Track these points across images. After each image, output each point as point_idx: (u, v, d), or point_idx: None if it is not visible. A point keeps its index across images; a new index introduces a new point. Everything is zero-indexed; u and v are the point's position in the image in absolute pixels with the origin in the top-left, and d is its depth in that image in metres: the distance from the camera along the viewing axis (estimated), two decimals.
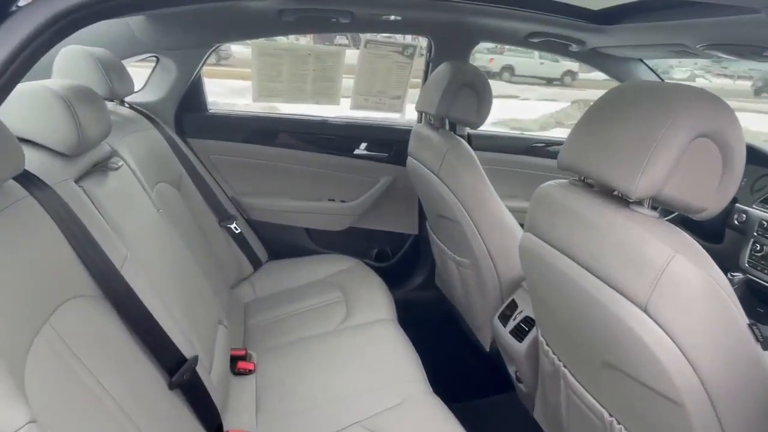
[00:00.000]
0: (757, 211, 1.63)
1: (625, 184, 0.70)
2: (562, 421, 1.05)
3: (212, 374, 1.07)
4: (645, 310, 0.68)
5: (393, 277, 1.86)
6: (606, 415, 0.86)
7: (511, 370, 1.37)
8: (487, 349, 1.50)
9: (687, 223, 1.84)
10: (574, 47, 1.72)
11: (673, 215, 1.72)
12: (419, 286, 2.03)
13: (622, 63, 1.91)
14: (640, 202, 0.73)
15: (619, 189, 0.72)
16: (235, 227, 1.73)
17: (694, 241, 0.70)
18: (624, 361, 0.74)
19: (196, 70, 1.75)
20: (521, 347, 1.24)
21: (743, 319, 0.66)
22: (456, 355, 1.71)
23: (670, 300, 0.66)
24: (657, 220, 0.72)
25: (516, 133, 2.91)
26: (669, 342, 0.66)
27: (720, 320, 0.65)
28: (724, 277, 0.67)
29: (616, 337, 0.73)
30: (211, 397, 1.00)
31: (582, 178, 0.85)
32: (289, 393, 1.19)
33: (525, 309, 1.29)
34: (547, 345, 1.04)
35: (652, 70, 1.94)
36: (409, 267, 2.05)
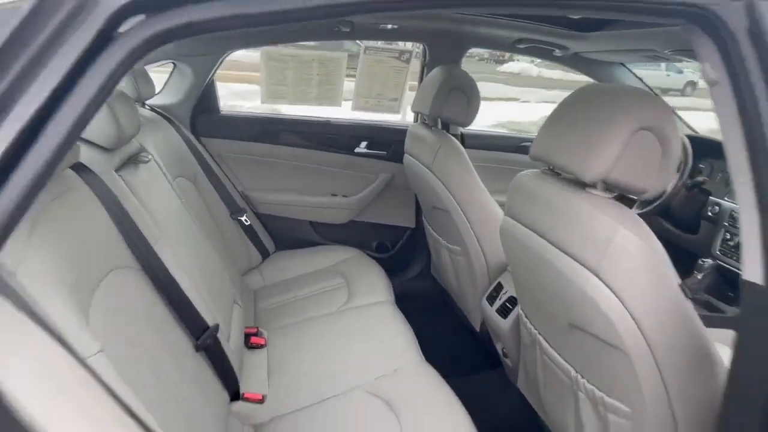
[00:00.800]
0: (728, 203, 1.76)
1: (580, 170, 0.84)
2: (539, 386, 1.19)
3: (230, 344, 1.21)
4: (597, 275, 0.81)
5: (392, 267, 1.99)
6: (572, 371, 0.99)
7: (498, 347, 1.51)
8: (478, 329, 1.64)
9: (666, 215, 1.98)
10: (557, 52, 1.86)
11: (652, 206, 1.86)
12: (416, 275, 2.17)
13: (605, 67, 2.05)
14: (594, 186, 0.86)
15: (575, 174, 0.86)
16: (245, 219, 1.87)
17: (638, 217, 0.83)
18: (582, 320, 0.88)
19: (210, 75, 1.89)
20: (506, 323, 1.38)
21: (676, 280, 0.80)
22: (449, 336, 1.84)
23: (617, 266, 0.79)
24: (608, 201, 0.86)
25: (506, 132, 3.05)
26: (616, 301, 0.80)
27: (656, 282, 0.79)
28: (661, 246, 0.81)
29: (576, 300, 0.87)
30: (230, 361, 1.14)
31: (550, 167, 0.99)
32: (297, 363, 1.33)
33: (509, 290, 1.42)
34: (526, 317, 1.18)
35: (632, 72, 2.08)
36: (406, 258, 2.19)
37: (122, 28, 0.47)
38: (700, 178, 1.84)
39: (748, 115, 0.62)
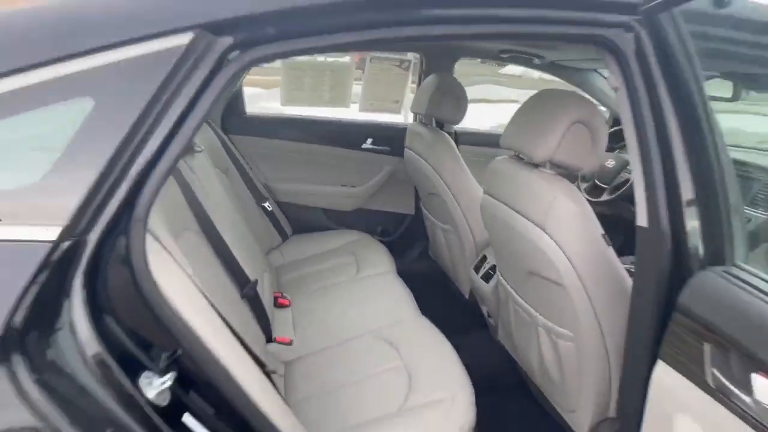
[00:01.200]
0: None
1: (533, 154, 1.13)
2: (512, 331, 1.47)
3: (264, 300, 1.51)
4: (544, 230, 1.11)
5: (394, 249, 2.28)
6: (533, 311, 1.28)
7: (484, 309, 1.80)
8: (467, 296, 1.93)
9: (631, 201, 2.27)
10: (536, 60, 2.16)
11: (618, 193, 2.15)
12: (416, 257, 2.46)
13: (581, 73, 2.34)
14: (544, 165, 1.16)
15: (530, 157, 1.15)
16: (267, 206, 2.16)
17: (574, 187, 1.13)
18: (536, 267, 1.17)
19: (239, 81, 2.20)
20: (488, 287, 1.67)
21: (599, 232, 1.09)
22: (443, 305, 2.12)
23: (557, 222, 1.09)
24: (554, 175, 1.15)
25: (498, 131, 3.33)
26: (557, 248, 1.09)
27: (585, 233, 1.09)
28: (590, 207, 1.10)
29: (531, 251, 1.16)
30: (265, 311, 1.44)
31: (515, 153, 1.28)
32: (316, 318, 1.63)
33: (491, 260, 1.71)
34: (501, 276, 1.47)
35: (603, 77, 2.36)
36: (407, 241, 2.48)
37: (230, 57, 0.76)
38: None
39: (636, 109, 0.92)
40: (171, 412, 0.74)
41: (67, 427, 0.63)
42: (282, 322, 1.60)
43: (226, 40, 0.74)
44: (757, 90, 1.84)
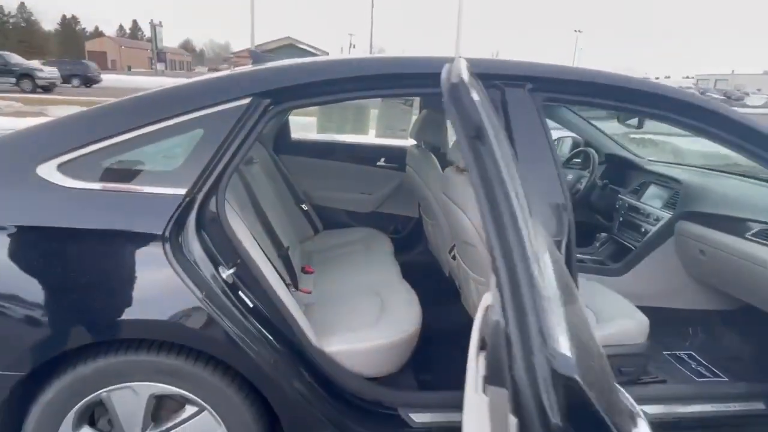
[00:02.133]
0: (628, 199, 2.62)
1: (461, 164, 1.79)
2: (464, 290, 2.09)
3: (294, 263, 2.22)
4: (464, 212, 1.75)
5: (402, 245, 2.94)
6: (466, 269, 1.91)
7: (456, 283, 2.42)
8: (447, 274, 2.55)
9: (591, 205, 2.85)
10: None
11: (575, 195, 2.73)
12: (420, 252, 3.10)
13: (550, 107, 2.95)
14: (466, 170, 1.81)
15: (460, 167, 1.80)
16: (304, 207, 2.90)
17: None
18: (463, 236, 1.81)
19: (287, 115, 2.98)
20: (454, 263, 2.30)
21: None
22: (430, 282, 2.71)
23: (471, 205, 1.73)
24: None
25: None
26: (470, 222, 1.72)
27: None
28: None
29: (460, 226, 1.80)
30: (295, 270, 2.14)
31: (456, 164, 1.93)
32: (331, 280, 2.31)
33: None
34: (457, 252, 2.11)
35: (573, 112, 2.96)
36: (412, 239, 3.14)
37: (269, 109, 1.49)
38: (605, 181, 2.71)
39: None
40: (232, 289, 1.44)
41: (189, 283, 1.34)
42: (306, 281, 2.30)
43: (267, 101, 1.47)
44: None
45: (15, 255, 1.31)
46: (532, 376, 0.64)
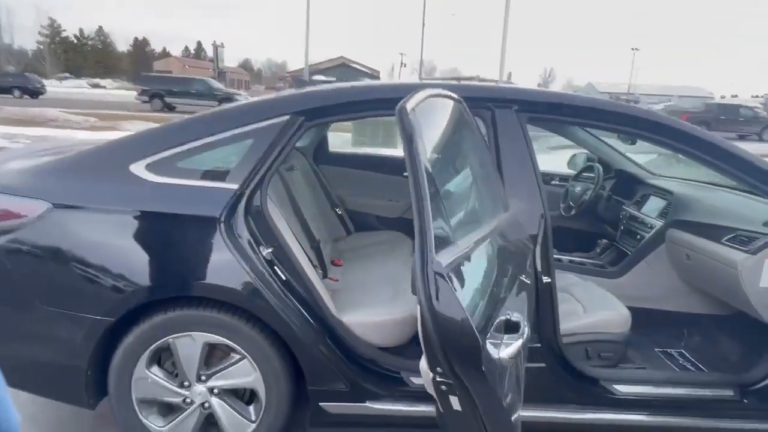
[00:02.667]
0: (630, 210, 2.88)
1: None
2: None
3: (324, 254, 2.61)
4: None
5: None
6: None
7: None
8: None
9: (597, 215, 3.10)
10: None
11: (579, 209, 3.00)
12: None
13: (566, 127, 3.23)
14: None
15: None
16: (338, 210, 3.30)
17: None
18: None
19: (326, 130, 3.41)
20: None
21: None
22: None
23: None
24: None
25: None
26: None
27: None
28: None
29: None
30: (325, 261, 2.53)
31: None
32: (358, 271, 2.68)
33: None
34: None
35: (585, 130, 3.22)
36: None
37: (304, 125, 1.90)
38: (609, 193, 2.97)
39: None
40: (269, 265, 1.83)
41: (237, 256, 1.75)
42: (335, 271, 2.69)
43: (301, 118, 1.88)
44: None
45: (110, 231, 1.76)
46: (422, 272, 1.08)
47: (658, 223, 2.61)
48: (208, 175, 1.83)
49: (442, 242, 1.19)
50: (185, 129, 1.89)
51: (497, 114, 1.92)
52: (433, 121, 1.45)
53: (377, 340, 2.03)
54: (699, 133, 1.89)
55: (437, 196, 1.25)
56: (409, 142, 1.16)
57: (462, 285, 1.18)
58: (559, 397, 1.93)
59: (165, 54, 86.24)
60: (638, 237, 2.72)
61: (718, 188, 2.60)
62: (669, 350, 2.45)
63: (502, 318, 1.29)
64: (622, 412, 1.92)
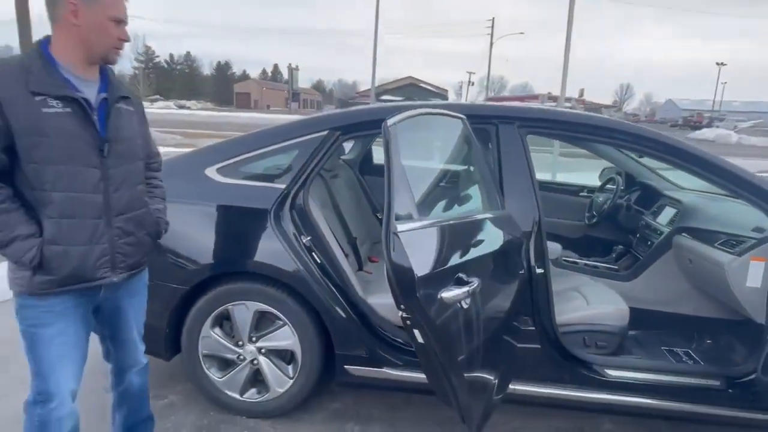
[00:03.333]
0: (648, 219, 3.09)
1: None
2: None
3: (361, 250, 3.02)
4: None
5: None
6: None
7: None
8: None
9: (616, 223, 3.31)
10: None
11: (596, 219, 3.23)
12: None
13: (593, 145, 3.47)
14: None
15: None
16: (379, 215, 3.72)
17: None
18: None
19: (371, 145, 3.86)
20: None
21: None
22: None
23: None
24: None
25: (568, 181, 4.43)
26: None
27: None
28: None
29: None
30: (361, 256, 2.95)
31: None
32: None
33: None
34: None
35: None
36: None
37: (339, 138, 2.34)
38: (628, 203, 3.18)
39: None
40: (308, 250, 2.27)
41: (283, 242, 2.20)
42: (371, 266, 3.10)
43: (338, 132, 2.33)
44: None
45: (189, 219, 2.28)
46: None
47: (667, 231, 2.80)
48: (262, 177, 2.32)
49: (405, 217, 1.64)
50: (247, 141, 2.40)
51: (500, 129, 2.26)
52: (416, 133, 1.86)
53: (395, 319, 2.41)
54: (681, 145, 2.13)
55: (406, 186, 1.67)
56: (386, 147, 1.57)
57: (419, 246, 1.62)
58: (553, 376, 2.20)
59: (244, 76, 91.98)
60: (649, 243, 2.90)
61: (723, 198, 2.75)
62: (675, 349, 2.62)
63: (457, 275, 1.67)
64: (611, 393, 2.16)
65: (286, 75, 70.80)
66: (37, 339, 1.50)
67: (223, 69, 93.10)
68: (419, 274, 1.56)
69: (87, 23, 1.41)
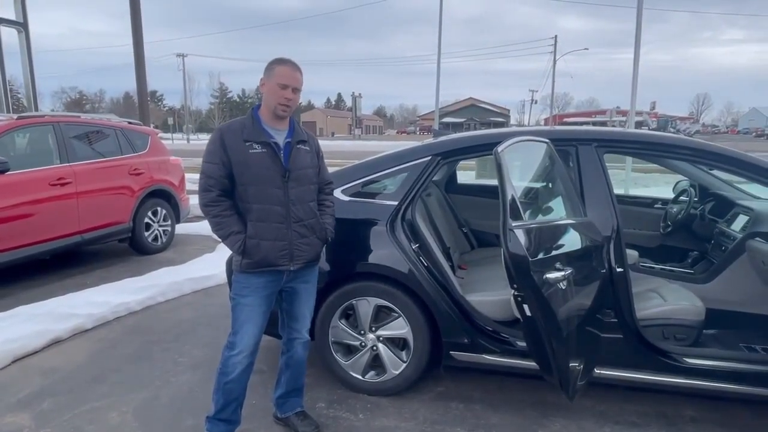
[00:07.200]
0: (722, 227, 3.34)
1: None
2: None
3: (453, 258, 3.47)
4: None
5: None
6: None
7: None
8: None
9: (692, 232, 3.56)
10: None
11: (670, 227, 3.50)
12: None
13: (662, 159, 3.75)
14: None
15: None
16: (464, 230, 4.15)
17: None
18: None
19: (455, 167, 4.34)
20: None
21: None
22: None
23: None
24: None
25: (636, 194, 4.69)
26: None
27: None
28: None
29: None
30: (454, 264, 3.40)
31: None
32: (478, 272, 3.48)
33: None
34: None
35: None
36: None
37: (440, 162, 2.83)
38: (703, 212, 3.44)
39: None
40: (417, 255, 2.75)
41: (396, 248, 2.70)
42: (461, 273, 3.53)
43: (439, 157, 2.83)
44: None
45: None
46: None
47: (741, 236, 3.03)
48: (379, 195, 2.84)
49: (517, 217, 2.11)
50: (367, 167, 2.94)
51: (580, 150, 2.66)
52: (520, 156, 2.29)
53: (492, 314, 2.83)
54: (741, 156, 2.43)
55: (515, 196, 2.13)
56: (499, 169, 2.03)
57: (528, 239, 2.08)
58: (634, 362, 2.51)
59: (310, 106, 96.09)
60: (723, 249, 3.13)
61: None
62: (755, 346, 2.84)
63: (556, 264, 2.11)
64: (689, 378, 2.45)
65: (349, 103, 73.32)
66: (236, 304, 2.15)
67: None
68: (531, 259, 2.02)
69: (266, 90, 2.09)
